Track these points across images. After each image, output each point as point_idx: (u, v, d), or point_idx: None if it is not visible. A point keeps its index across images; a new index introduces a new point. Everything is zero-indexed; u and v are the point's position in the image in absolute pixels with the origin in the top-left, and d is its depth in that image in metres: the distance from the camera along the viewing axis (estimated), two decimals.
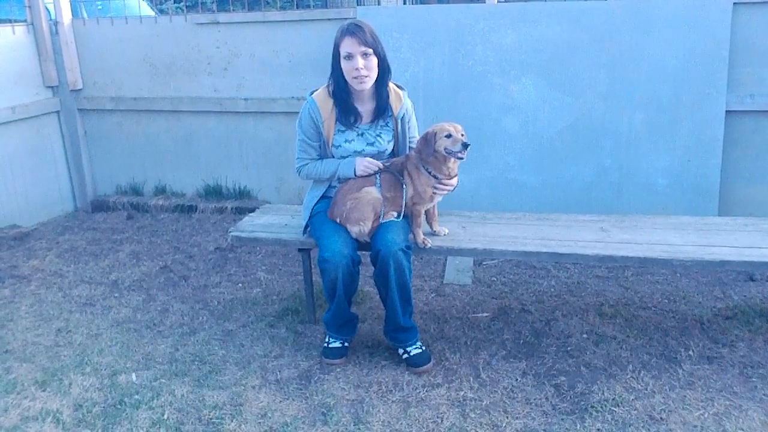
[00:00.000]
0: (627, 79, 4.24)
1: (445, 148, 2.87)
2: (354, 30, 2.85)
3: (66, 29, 5.23)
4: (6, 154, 4.98)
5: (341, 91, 2.96)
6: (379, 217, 2.94)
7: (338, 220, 2.96)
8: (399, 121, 3.07)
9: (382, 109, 3.03)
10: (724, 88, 4.10)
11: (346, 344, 3.07)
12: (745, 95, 4.13)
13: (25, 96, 5.11)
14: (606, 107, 4.30)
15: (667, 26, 4.12)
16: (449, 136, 2.86)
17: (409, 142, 3.16)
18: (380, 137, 3.07)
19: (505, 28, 4.36)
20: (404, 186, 2.97)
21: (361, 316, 3.34)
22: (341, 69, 2.91)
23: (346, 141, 3.03)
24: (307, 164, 3.10)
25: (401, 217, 2.98)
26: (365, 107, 3.03)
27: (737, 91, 4.14)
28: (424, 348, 3.00)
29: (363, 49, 2.85)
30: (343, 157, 3.04)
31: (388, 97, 3.02)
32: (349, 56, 2.86)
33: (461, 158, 2.87)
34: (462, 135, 2.88)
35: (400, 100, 3.06)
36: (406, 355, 2.96)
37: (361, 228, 2.91)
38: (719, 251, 2.90)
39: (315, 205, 3.14)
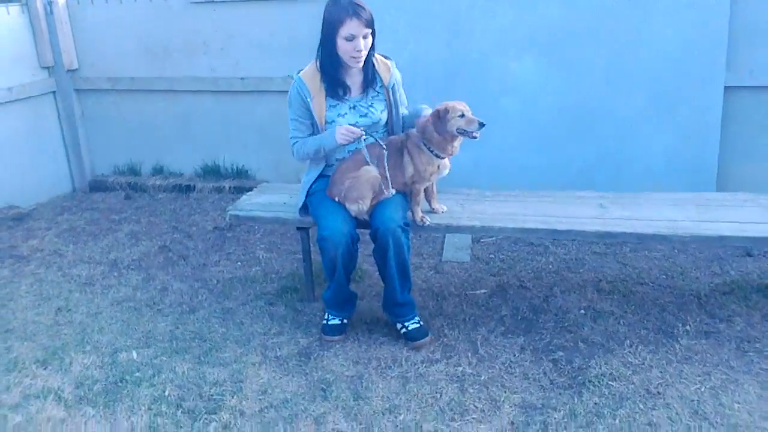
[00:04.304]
0: (627, 58, 4.20)
1: (458, 128, 2.85)
2: (360, 12, 2.82)
3: (61, 9, 5.19)
4: (3, 135, 4.96)
5: (330, 66, 2.94)
6: (378, 194, 2.94)
7: (337, 199, 2.96)
8: (390, 90, 3.06)
9: (370, 79, 3.02)
10: (723, 66, 4.07)
11: (345, 321, 3.08)
12: (744, 71, 4.11)
13: (21, 76, 5.08)
14: (606, 87, 4.27)
15: (668, 5, 4.07)
16: (463, 115, 2.84)
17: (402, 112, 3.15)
18: (372, 107, 3.05)
19: (505, 9, 4.30)
20: (387, 166, 2.93)
21: (360, 294, 3.35)
22: (334, 45, 2.88)
23: (339, 115, 3.01)
24: (298, 142, 3.10)
25: (393, 194, 2.97)
26: (353, 79, 3.02)
27: (736, 68, 4.11)
28: (422, 323, 3.02)
29: (366, 30, 2.84)
30: None
31: (374, 66, 3.01)
32: (352, 37, 2.84)
33: (475, 137, 2.87)
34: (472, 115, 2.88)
35: (389, 69, 3.06)
36: (404, 330, 2.98)
37: (360, 206, 2.91)
38: (718, 227, 2.90)
39: (312, 184, 3.14)
